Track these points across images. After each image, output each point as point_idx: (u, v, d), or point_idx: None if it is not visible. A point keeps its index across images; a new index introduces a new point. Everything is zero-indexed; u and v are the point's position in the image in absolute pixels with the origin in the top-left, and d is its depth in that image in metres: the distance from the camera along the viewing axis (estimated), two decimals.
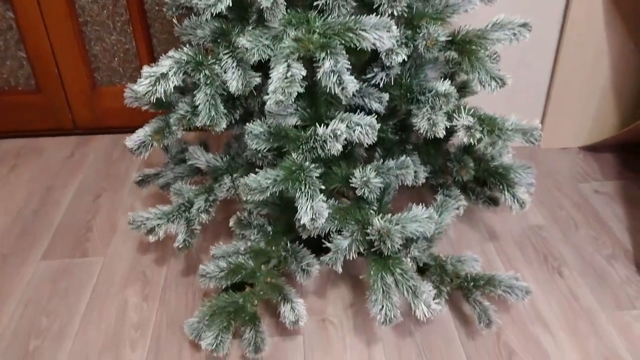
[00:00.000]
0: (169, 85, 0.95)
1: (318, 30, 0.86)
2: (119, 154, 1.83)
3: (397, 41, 0.92)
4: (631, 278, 1.30)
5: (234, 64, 0.94)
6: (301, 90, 0.86)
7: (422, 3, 0.99)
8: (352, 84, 0.84)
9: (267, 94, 0.87)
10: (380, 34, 0.83)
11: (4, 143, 1.89)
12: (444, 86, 1.00)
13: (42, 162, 1.79)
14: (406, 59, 0.95)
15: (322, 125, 0.94)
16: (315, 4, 0.90)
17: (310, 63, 0.88)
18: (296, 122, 1.01)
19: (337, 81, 0.83)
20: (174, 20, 1.06)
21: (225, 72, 0.95)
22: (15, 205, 1.59)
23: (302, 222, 0.93)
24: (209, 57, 0.97)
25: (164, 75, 0.94)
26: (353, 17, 0.86)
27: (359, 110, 1.02)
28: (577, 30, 1.56)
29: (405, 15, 0.97)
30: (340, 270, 1.03)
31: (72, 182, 1.69)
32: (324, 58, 0.83)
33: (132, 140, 1.10)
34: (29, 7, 1.71)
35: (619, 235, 1.43)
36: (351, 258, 1.02)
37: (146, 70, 0.95)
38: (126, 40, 1.81)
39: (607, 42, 1.59)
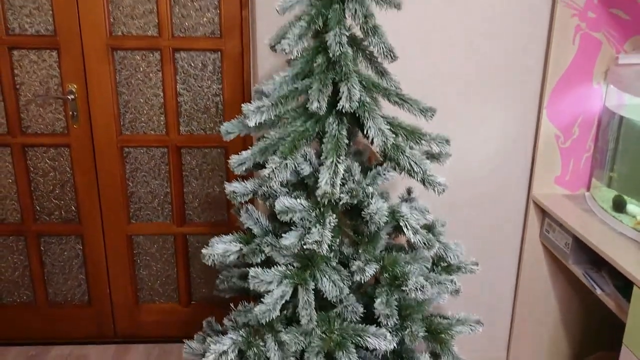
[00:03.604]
0: (227, 359, 1.33)
1: (336, 333, 1.28)
2: None
3: (390, 333, 1.33)
4: None
5: (276, 347, 1.33)
6: None
7: (409, 301, 1.41)
8: None
9: None
10: (378, 340, 1.25)
11: (54, 349, 2.22)
12: None
13: None
14: (397, 345, 1.35)
15: None
16: (335, 310, 1.33)
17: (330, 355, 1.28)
18: None
19: None
20: (232, 306, 1.47)
21: (268, 351, 1.34)
22: None
23: None
24: (257, 338, 1.37)
25: (225, 353, 1.33)
26: (360, 325, 1.28)
27: None
28: (528, 283, 2.02)
29: (397, 309, 1.39)
30: None
31: None
32: (340, 357, 1.23)
33: None
34: (95, 242, 2.16)
35: None
36: None
37: (212, 347, 1.34)
38: (169, 268, 2.23)
39: (553, 290, 2.04)
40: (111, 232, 2.16)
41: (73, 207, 2.15)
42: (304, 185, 1.38)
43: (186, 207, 2.17)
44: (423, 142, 1.35)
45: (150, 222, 2.18)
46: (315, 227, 1.23)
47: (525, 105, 1.89)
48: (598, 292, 1.65)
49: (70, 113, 2.02)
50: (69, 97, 2.00)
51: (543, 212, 1.93)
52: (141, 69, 2.02)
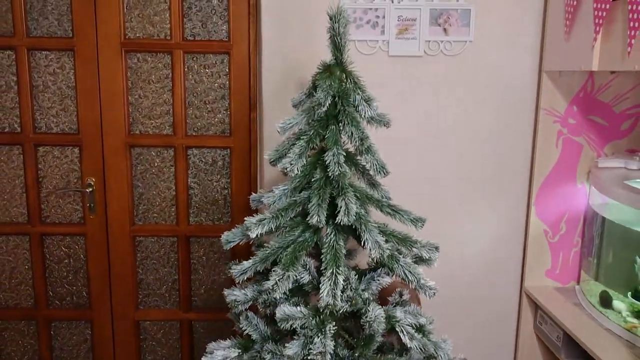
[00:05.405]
0: None
1: None
2: None
3: None
4: None
5: None
6: None
7: None
8: None
9: None
10: None
11: None
12: None
13: None
14: None
15: None
16: None
17: None
18: None
19: None
20: None
21: None
22: None
23: None
24: None
25: None
26: None
27: None
28: None
29: None
30: None
31: None
32: None
33: None
34: (104, 327, 2.24)
35: None
36: None
37: None
38: (174, 354, 2.30)
39: None
40: (120, 318, 2.24)
41: (84, 293, 2.24)
42: (302, 291, 1.48)
43: (192, 294, 2.26)
44: (414, 249, 1.45)
45: (157, 308, 2.26)
46: (318, 336, 1.31)
47: (514, 204, 2.01)
48: None
49: (88, 204, 2.15)
50: (87, 189, 2.14)
51: (535, 305, 2.01)
52: (156, 164, 2.17)
